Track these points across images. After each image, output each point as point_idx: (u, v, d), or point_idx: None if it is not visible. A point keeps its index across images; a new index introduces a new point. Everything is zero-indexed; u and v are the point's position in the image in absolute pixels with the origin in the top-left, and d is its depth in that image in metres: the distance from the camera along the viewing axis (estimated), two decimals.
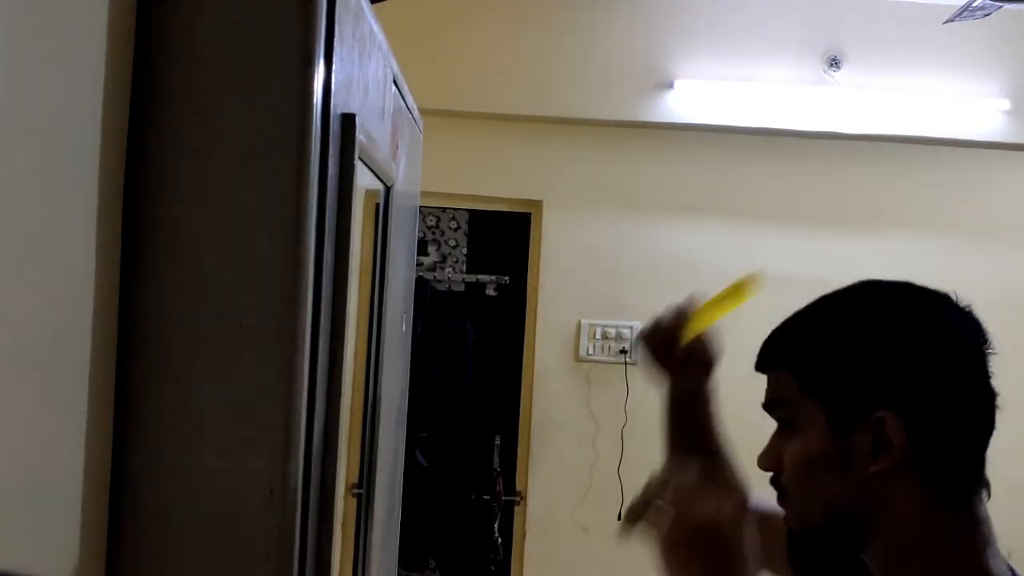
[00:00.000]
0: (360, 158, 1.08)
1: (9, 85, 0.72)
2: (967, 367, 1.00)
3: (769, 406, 1.07)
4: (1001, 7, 2.74)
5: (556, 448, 3.80)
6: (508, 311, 4.37)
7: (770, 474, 1.07)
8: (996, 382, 1.00)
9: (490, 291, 4.72)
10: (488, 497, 3.98)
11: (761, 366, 1.09)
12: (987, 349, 1.01)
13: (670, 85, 3.62)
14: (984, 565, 0.97)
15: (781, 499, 1.06)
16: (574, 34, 3.64)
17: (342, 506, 1.20)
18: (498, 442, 4.21)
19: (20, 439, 0.77)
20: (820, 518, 1.03)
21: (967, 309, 1.03)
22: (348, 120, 1.05)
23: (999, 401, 1.00)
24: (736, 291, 1.32)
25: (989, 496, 1.00)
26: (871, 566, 1.02)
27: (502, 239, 4.63)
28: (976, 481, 0.99)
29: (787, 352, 1.06)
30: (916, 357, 1.00)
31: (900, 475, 0.97)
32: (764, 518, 1.13)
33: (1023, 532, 3.57)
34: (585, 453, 3.77)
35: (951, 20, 2.89)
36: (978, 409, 1.00)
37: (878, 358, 1.00)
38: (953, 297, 1.04)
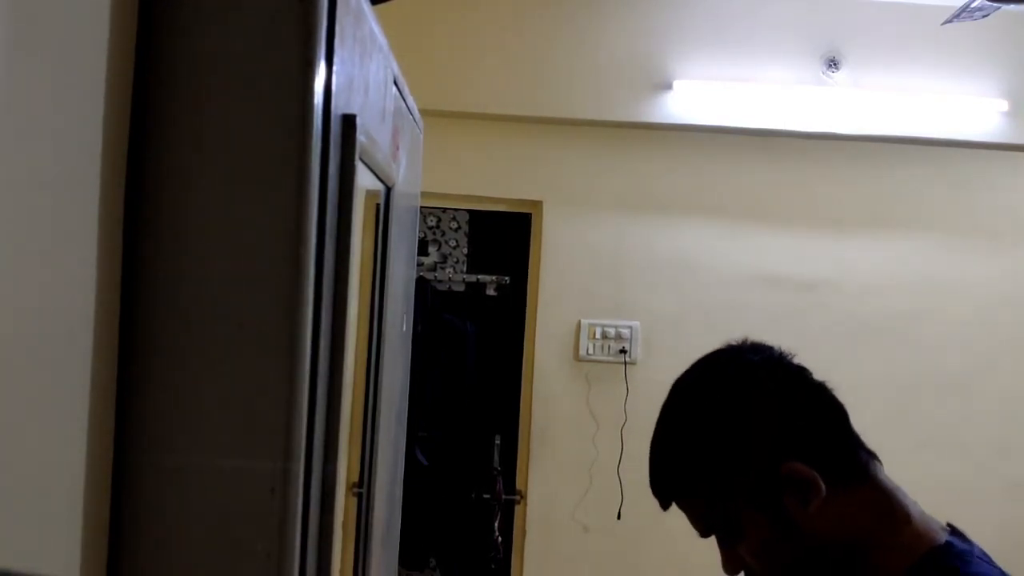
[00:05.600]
0: (361, 159, 1.09)
1: (9, 87, 0.72)
2: (797, 387, 1.13)
3: (708, 533, 1.17)
4: (999, 8, 2.74)
5: (556, 447, 3.81)
6: (508, 311, 4.37)
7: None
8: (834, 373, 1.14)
9: (490, 291, 4.72)
10: (488, 496, 3.99)
11: (667, 503, 1.20)
12: (787, 361, 1.14)
13: (669, 86, 3.63)
14: (929, 532, 1.08)
15: None
16: (573, 35, 3.64)
17: (343, 505, 1.20)
18: (498, 441, 4.21)
19: (21, 438, 0.77)
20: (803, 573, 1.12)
21: (752, 344, 1.17)
22: (349, 121, 1.05)
23: (832, 384, 1.14)
24: None
25: (881, 463, 1.12)
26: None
27: (502, 239, 4.63)
28: (865, 457, 1.12)
29: (682, 486, 1.18)
30: (766, 407, 1.12)
31: (826, 496, 1.08)
32: None
33: (1023, 531, 3.59)
34: (585, 452, 3.78)
35: (949, 21, 2.89)
36: (826, 406, 1.13)
37: (744, 433, 1.12)
38: (738, 342, 1.18)
